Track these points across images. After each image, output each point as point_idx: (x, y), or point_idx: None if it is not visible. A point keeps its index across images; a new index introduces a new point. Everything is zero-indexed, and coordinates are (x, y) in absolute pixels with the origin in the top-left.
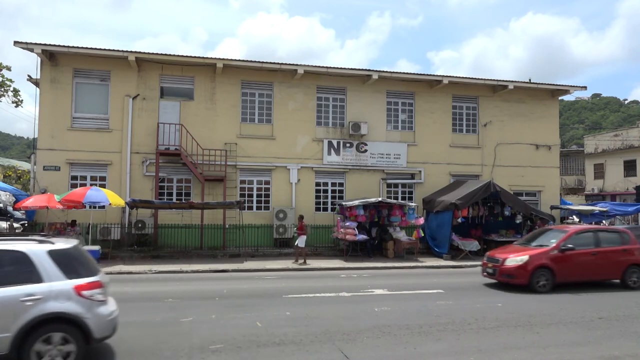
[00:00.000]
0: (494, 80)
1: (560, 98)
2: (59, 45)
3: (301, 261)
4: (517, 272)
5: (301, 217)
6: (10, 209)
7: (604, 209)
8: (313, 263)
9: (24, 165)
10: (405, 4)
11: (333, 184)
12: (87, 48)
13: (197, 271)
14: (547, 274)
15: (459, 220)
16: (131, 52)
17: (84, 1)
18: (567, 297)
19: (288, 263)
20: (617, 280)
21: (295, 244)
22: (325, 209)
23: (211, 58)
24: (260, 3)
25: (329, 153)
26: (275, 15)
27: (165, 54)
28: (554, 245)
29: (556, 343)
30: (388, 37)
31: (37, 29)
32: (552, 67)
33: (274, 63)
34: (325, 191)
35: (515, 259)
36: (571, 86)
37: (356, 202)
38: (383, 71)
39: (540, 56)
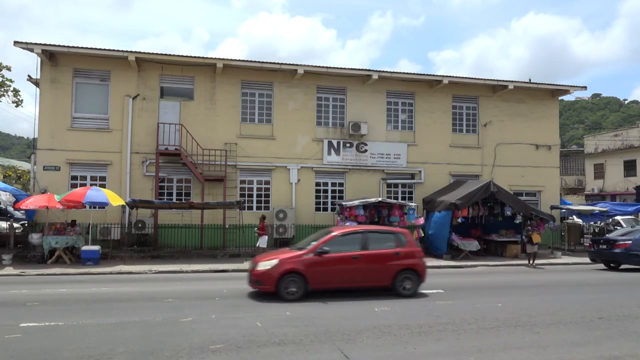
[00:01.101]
0: (494, 80)
1: (560, 98)
2: (59, 45)
3: None
4: (264, 277)
5: (263, 218)
6: (10, 209)
7: (604, 209)
8: None
9: (24, 165)
10: (408, 4)
11: (333, 184)
12: (87, 48)
13: (197, 271)
14: (298, 279)
15: (459, 220)
16: (131, 52)
17: (86, 1)
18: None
19: None
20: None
21: (257, 245)
22: (325, 209)
23: (211, 58)
24: (261, 3)
25: (329, 153)
26: (277, 15)
27: (165, 54)
28: (309, 248)
29: (556, 343)
30: (390, 37)
31: (39, 29)
32: (554, 67)
33: (274, 63)
34: (325, 191)
35: (265, 263)
36: (571, 86)
37: (356, 202)
38: (383, 71)
39: (541, 56)
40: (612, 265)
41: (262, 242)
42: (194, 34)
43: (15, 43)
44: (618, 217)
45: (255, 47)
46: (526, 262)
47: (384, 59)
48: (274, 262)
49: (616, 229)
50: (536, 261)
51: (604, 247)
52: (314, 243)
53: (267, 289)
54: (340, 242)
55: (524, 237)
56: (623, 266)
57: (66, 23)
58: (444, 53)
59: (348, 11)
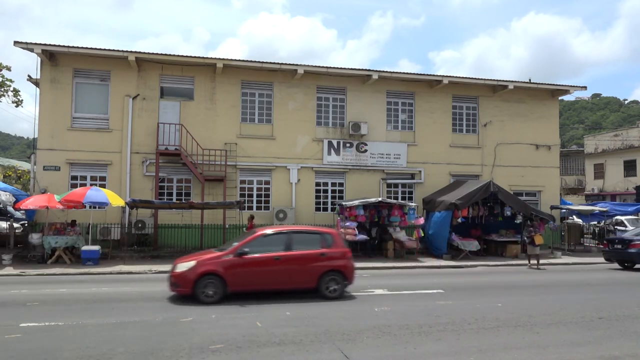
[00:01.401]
0: (494, 80)
1: (560, 98)
2: (59, 45)
3: None
4: (180, 280)
5: (251, 217)
6: (10, 209)
7: (604, 209)
8: None
9: (24, 165)
10: (408, 4)
11: (333, 184)
12: (87, 48)
13: None
14: (217, 282)
15: (459, 220)
16: (131, 52)
17: (86, 1)
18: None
19: None
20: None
21: None
22: (325, 209)
23: (211, 58)
24: (262, 3)
25: (329, 153)
26: (277, 16)
27: (165, 54)
28: (229, 249)
29: (556, 343)
30: (390, 37)
31: (39, 29)
32: (554, 67)
33: (274, 63)
34: (325, 191)
35: (183, 265)
36: (571, 86)
37: (356, 202)
38: (383, 71)
39: (541, 56)
40: (626, 264)
41: None
42: (194, 34)
43: (15, 43)
44: (622, 217)
45: (256, 47)
46: (526, 262)
47: (384, 59)
48: (191, 263)
49: (616, 229)
50: (534, 261)
51: (619, 246)
52: (235, 244)
53: (184, 292)
54: (264, 242)
55: (525, 238)
56: (638, 265)
57: (66, 23)
58: (444, 53)
59: (348, 11)
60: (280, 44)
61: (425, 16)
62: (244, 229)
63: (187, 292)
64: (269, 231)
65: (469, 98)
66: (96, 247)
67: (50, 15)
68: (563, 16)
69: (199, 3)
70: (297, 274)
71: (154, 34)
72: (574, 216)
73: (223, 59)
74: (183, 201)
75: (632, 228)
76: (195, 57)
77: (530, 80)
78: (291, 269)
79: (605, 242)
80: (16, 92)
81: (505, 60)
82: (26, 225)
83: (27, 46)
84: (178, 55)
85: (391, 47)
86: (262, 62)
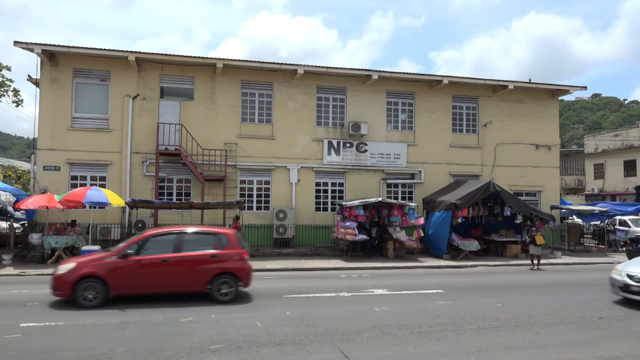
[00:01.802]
0: (494, 80)
1: (560, 98)
2: (59, 45)
3: None
4: (59, 283)
5: (236, 218)
6: (10, 209)
7: (604, 209)
8: (313, 263)
9: (24, 165)
10: (409, 4)
11: (333, 184)
12: (87, 48)
13: None
14: (98, 285)
15: (459, 220)
16: (131, 52)
17: (87, 1)
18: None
19: (288, 263)
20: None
21: None
22: (325, 209)
23: (211, 58)
24: (263, 3)
25: (329, 153)
26: (278, 16)
27: (165, 54)
28: (114, 250)
29: (556, 343)
30: (390, 37)
31: (40, 30)
32: (554, 67)
33: (274, 63)
34: (325, 191)
35: (63, 266)
36: (571, 86)
37: (356, 202)
38: (383, 71)
39: (542, 56)
40: None
41: None
42: (195, 34)
43: (15, 43)
44: (625, 217)
45: (256, 47)
46: (527, 261)
47: (384, 59)
48: (71, 265)
49: (616, 228)
50: (534, 261)
51: None
52: (120, 245)
53: (63, 295)
54: (153, 243)
55: (526, 238)
56: None
57: (66, 23)
58: (445, 53)
59: (349, 11)
60: (281, 44)
61: (426, 16)
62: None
63: (66, 295)
64: (158, 231)
65: (469, 98)
66: (96, 247)
67: (50, 15)
68: (564, 16)
69: (200, 3)
70: (187, 277)
71: (154, 34)
72: (574, 216)
73: (223, 59)
74: (183, 201)
75: (637, 228)
76: (195, 57)
77: (530, 80)
78: (180, 271)
79: (628, 241)
80: (16, 92)
81: (506, 60)
82: (26, 225)
83: (27, 46)
84: (178, 55)
85: (392, 47)
86: (262, 62)
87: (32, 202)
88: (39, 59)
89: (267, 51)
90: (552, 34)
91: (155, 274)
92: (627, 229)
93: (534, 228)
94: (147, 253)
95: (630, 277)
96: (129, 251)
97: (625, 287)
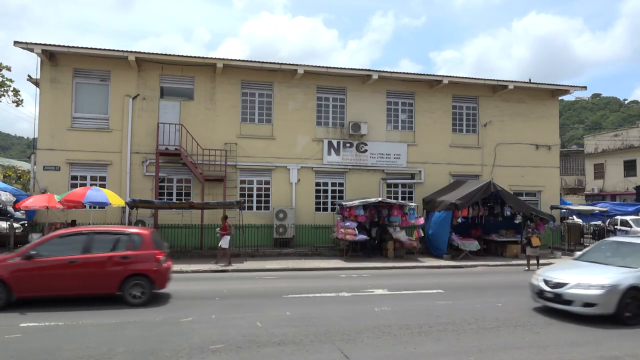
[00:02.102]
0: (494, 80)
1: (560, 98)
2: (59, 45)
3: (224, 263)
4: None
5: (225, 218)
6: (10, 209)
7: (604, 209)
8: (313, 263)
9: (24, 165)
10: (409, 4)
11: (333, 184)
12: (87, 48)
13: (197, 271)
14: (0, 287)
15: (459, 220)
16: (131, 52)
17: (87, 1)
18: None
19: (288, 263)
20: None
21: (219, 245)
22: (325, 209)
23: (211, 58)
24: (263, 3)
25: (329, 153)
26: (279, 16)
27: (165, 54)
28: (17, 252)
29: (556, 343)
30: (391, 37)
31: (40, 30)
32: (554, 67)
33: (274, 63)
34: (325, 191)
35: None
36: (571, 86)
37: (356, 202)
38: (383, 71)
39: (542, 56)
40: None
41: (224, 242)
42: (195, 34)
43: (16, 43)
44: (627, 217)
45: (257, 47)
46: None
47: (385, 59)
48: None
49: (616, 228)
50: (533, 261)
51: None
52: (26, 245)
53: None
54: (60, 244)
55: (523, 239)
56: None
57: (66, 23)
58: (445, 53)
59: (349, 11)
60: (281, 44)
61: (426, 16)
62: (218, 229)
63: None
64: (66, 231)
65: (469, 98)
66: None
67: (50, 15)
68: (564, 16)
69: (200, 3)
70: (96, 279)
71: (154, 34)
72: (574, 216)
73: (223, 59)
74: (183, 201)
75: (639, 229)
76: (195, 57)
77: (530, 80)
78: (88, 273)
79: None
80: (16, 92)
81: (506, 60)
82: (26, 225)
83: (27, 46)
84: (178, 55)
85: (392, 47)
86: (262, 62)
87: (32, 202)
88: (39, 59)
89: (268, 51)
90: (552, 34)
91: (61, 276)
92: (628, 229)
93: (529, 230)
94: (53, 254)
95: (545, 282)
96: (33, 252)
97: (540, 293)
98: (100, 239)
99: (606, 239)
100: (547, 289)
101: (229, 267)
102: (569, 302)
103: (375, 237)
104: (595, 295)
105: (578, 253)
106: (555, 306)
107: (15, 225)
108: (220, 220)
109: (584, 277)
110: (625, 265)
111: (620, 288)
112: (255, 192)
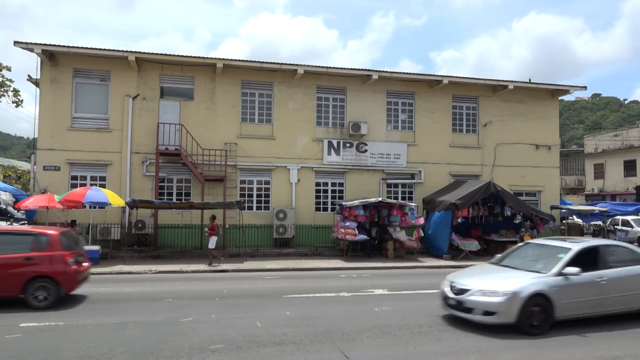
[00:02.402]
0: (494, 80)
1: (560, 98)
2: (59, 45)
3: (215, 263)
4: None
5: (213, 217)
6: (10, 209)
7: (604, 209)
8: (313, 263)
9: (24, 165)
10: (410, 4)
11: (333, 184)
12: (87, 48)
13: (197, 271)
14: None
15: (459, 220)
16: (131, 52)
17: (87, 1)
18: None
19: (288, 263)
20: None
21: (208, 246)
22: (325, 209)
23: (211, 58)
24: (263, 3)
25: (329, 153)
26: (279, 16)
27: (165, 54)
28: None
29: (556, 343)
30: (391, 37)
31: (40, 30)
32: (555, 67)
33: (274, 63)
34: (325, 191)
35: None
36: (571, 86)
37: (356, 202)
38: (383, 71)
39: (542, 56)
40: None
41: (211, 243)
42: (196, 34)
43: (16, 43)
44: (627, 217)
45: (257, 47)
46: None
47: (385, 59)
48: None
49: (616, 228)
50: None
51: None
52: None
53: None
54: None
55: (517, 238)
56: None
57: (67, 23)
58: (445, 53)
59: (350, 11)
60: (281, 44)
61: (426, 16)
62: (206, 229)
63: None
64: None
65: (469, 98)
66: (96, 247)
67: (50, 15)
68: (564, 16)
69: (200, 3)
70: None
71: (155, 34)
72: (574, 216)
73: (223, 59)
74: (183, 201)
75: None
76: (195, 57)
77: (530, 80)
78: None
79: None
80: (16, 92)
81: (507, 60)
82: (26, 225)
83: (27, 46)
84: (178, 55)
85: (392, 47)
86: (262, 62)
87: (32, 202)
88: (39, 59)
89: (268, 51)
90: (552, 34)
91: None
92: (629, 229)
93: (523, 229)
94: None
95: (451, 287)
96: None
97: (445, 300)
98: (3, 239)
99: (529, 240)
100: (452, 295)
101: (209, 268)
102: (469, 310)
103: (375, 237)
104: (494, 303)
105: (498, 256)
106: (458, 314)
107: (16, 225)
108: (221, 221)
109: (490, 282)
110: (535, 270)
111: (522, 295)
112: (255, 192)
